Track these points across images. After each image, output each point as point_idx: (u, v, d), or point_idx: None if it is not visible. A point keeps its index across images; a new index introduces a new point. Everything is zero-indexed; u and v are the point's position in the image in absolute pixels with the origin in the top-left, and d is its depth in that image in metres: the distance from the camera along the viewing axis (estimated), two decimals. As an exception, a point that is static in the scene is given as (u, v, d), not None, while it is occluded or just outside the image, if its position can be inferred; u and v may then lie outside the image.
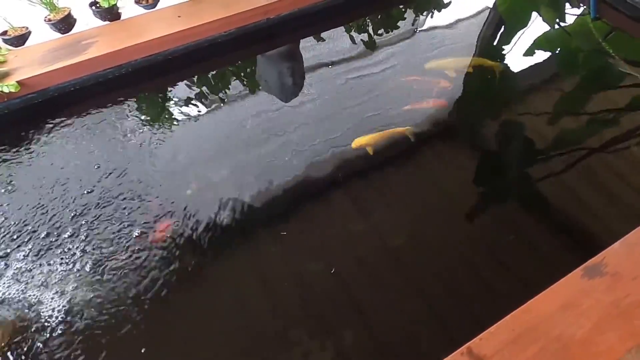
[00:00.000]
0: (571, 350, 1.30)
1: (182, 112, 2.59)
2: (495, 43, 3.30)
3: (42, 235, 1.94)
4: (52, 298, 1.73)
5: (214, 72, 2.83)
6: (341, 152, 2.30)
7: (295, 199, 2.14)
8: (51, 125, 2.45)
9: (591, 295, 1.41)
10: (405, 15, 3.41)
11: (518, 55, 3.10)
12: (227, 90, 2.72)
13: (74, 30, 2.62)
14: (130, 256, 1.86)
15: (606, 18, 3.26)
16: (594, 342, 1.31)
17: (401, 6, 3.48)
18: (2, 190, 2.16)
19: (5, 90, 2.33)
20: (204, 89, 2.71)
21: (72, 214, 2.01)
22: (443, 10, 3.49)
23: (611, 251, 1.51)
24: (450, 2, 3.55)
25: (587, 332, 1.33)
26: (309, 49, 3.01)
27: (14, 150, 2.35)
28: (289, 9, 2.87)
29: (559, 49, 3.22)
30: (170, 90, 2.73)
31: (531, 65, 3.03)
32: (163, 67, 2.67)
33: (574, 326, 1.35)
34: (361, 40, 3.06)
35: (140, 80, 2.66)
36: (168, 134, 2.44)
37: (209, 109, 2.61)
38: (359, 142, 2.31)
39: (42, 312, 1.69)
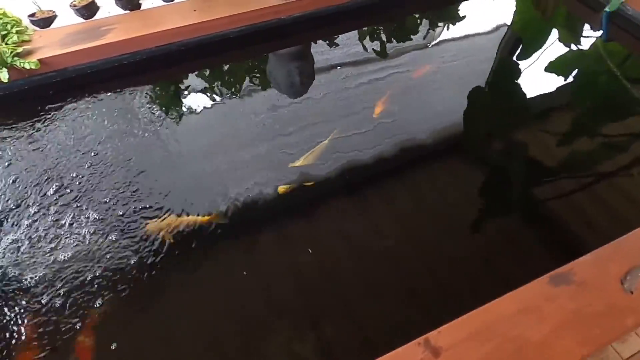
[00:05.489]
0: (526, 352, 1.32)
1: (190, 102, 2.70)
2: (512, 61, 3.31)
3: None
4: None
5: (224, 66, 2.94)
6: (345, 157, 2.34)
7: (298, 200, 2.17)
8: (66, 103, 2.60)
9: (554, 302, 1.43)
10: (420, 27, 3.45)
11: (535, 74, 3.11)
12: (236, 84, 2.82)
13: (96, 17, 2.78)
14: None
15: (620, 41, 3.25)
16: (551, 345, 1.33)
17: (416, 15, 3.53)
18: (15, 153, 2.34)
19: (27, 66, 2.48)
20: (213, 81, 2.82)
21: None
22: (458, 24, 3.52)
23: (580, 262, 1.53)
24: (465, 16, 3.58)
25: (544, 336, 1.35)
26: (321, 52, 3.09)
27: (31, 122, 2.50)
28: (300, 11, 2.97)
29: (575, 72, 3.22)
30: (180, 80, 2.85)
31: (547, 85, 3.04)
32: (175, 57, 2.80)
33: (533, 329, 1.36)
34: (372, 48, 3.12)
35: (153, 68, 2.79)
36: (174, 122, 2.54)
37: (216, 101, 2.71)
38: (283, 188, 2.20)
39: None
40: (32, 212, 2.03)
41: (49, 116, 2.53)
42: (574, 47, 3.37)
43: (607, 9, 3.12)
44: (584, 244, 2.09)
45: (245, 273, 1.86)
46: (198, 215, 2.04)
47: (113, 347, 1.58)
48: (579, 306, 1.40)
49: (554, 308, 1.41)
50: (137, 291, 1.77)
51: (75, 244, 1.91)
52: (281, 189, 2.16)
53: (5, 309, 1.70)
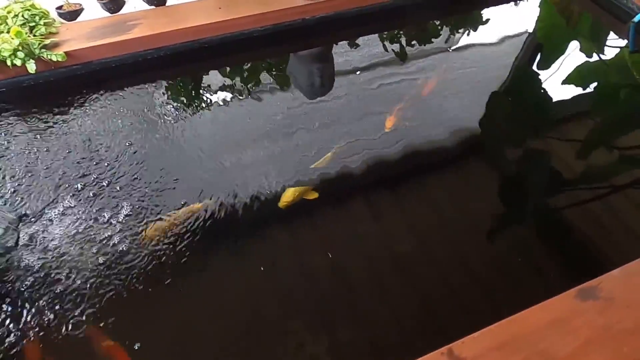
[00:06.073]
0: (553, 366, 1.30)
1: (210, 99, 2.70)
2: (532, 68, 3.28)
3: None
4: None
5: (245, 64, 2.95)
6: (358, 161, 2.33)
7: (310, 205, 2.14)
8: (91, 96, 2.62)
9: (582, 316, 1.40)
10: (441, 32, 3.44)
11: (554, 84, 3.08)
12: (256, 84, 2.82)
13: (122, 11, 2.80)
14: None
15: (646, 52, 3.19)
16: (579, 361, 1.31)
17: (437, 22, 3.51)
18: (38, 145, 2.36)
19: (54, 58, 2.51)
20: (235, 79, 2.83)
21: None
22: (480, 29, 3.50)
23: (609, 277, 1.50)
24: (488, 20, 3.55)
25: (573, 350, 1.33)
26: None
27: (55, 113, 2.53)
28: (325, 12, 2.97)
29: (595, 83, 3.17)
30: (203, 77, 2.86)
31: (566, 96, 3.00)
32: (199, 54, 2.81)
33: (561, 343, 1.34)
34: (393, 50, 3.11)
35: (177, 64, 2.81)
36: (194, 118, 2.55)
37: (237, 99, 2.71)
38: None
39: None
40: (44, 207, 2.04)
41: (73, 108, 2.55)
42: (596, 56, 3.33)
43: (635, 20, 3.08)
44: (606, 257, 2.06)
45: (255, 274, 1.85)
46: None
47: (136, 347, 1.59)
48: (608, 322, 1.38)
49: (582, 323, 1.39)
50: (145, 292, 1.76)
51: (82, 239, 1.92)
52: (283, 201, 2.06)
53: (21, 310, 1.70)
